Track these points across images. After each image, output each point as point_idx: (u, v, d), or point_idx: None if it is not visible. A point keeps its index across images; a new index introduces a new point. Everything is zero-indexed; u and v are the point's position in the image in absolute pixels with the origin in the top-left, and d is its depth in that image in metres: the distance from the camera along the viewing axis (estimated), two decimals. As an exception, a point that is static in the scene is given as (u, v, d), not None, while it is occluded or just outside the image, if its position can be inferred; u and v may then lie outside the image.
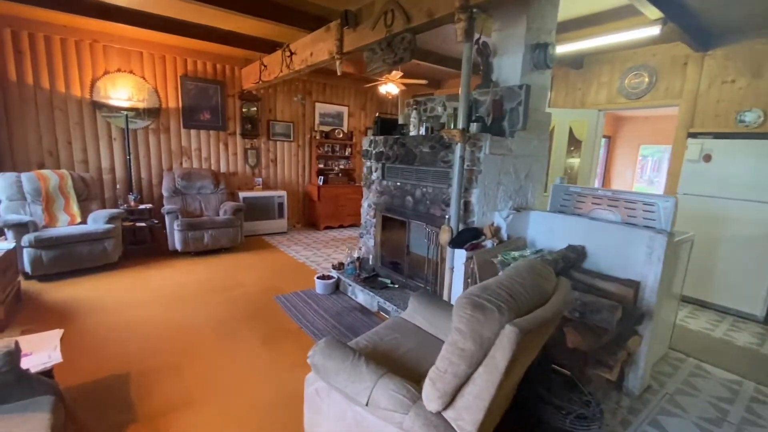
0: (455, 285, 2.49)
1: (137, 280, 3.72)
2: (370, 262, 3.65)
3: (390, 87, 5.13)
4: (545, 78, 2.83)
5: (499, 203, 2.65)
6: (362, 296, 3.31)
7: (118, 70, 4.67)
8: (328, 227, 6.54)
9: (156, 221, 4.65)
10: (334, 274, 3.66)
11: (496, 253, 2.36)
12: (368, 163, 3.57)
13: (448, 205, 2.72)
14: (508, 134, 2.62)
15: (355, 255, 3.68)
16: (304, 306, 3.25)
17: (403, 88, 5.39)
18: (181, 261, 4.38)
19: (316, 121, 6.55)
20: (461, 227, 2.51)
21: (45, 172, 4.06)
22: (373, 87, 5.89)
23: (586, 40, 3.68)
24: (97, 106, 4.59)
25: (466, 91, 2.32)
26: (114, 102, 4.63)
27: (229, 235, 4.73)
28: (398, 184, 3.22)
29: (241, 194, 5.54)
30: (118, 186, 4.79)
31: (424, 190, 2.94)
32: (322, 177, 6.38)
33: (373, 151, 3.45)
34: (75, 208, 4.13)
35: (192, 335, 2.71)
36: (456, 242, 2.41)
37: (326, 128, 6.60)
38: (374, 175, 3.51)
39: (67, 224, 4.02)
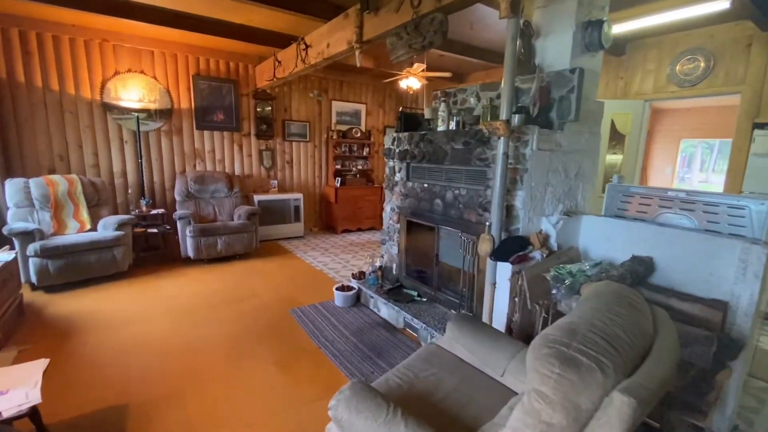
0: (498, 303, 2.14)
1: (147, 291, 3.50)
2: (394, 272, 3.33)
3: (411, 81, 4.80)
4: (596, 61, 2.45)
5: (546, 207, 2.29)
6: (386, 310, 2.99)
7: (129, 71, 4.50)
8: (346, 231, 6.26)
9: (168, 227, 4.45)
10: (355, 284, 3.36)
11: (548, 266, 2.00)
12: (391, 163, 3.25)
13: (486, 209, 2.37)
14: (556, 126, 2.25)
15: (377, 263, 3.36)
16: (323, 321, 2.95)
17: (425, 82, 5.06)
18: (193, 269, 4.16)
19: (333, 120, 6.28)
20: (503, 236, 2.15)
21: (54, 177, 3.90)
22: (393, 82, 5.58)
23: (637, 20, 3.26)
24: (108, 107, 4.42)
25: (511, 75, 1.97)
26: (125, 103, 4.45)
27: (244, 241, 4.48)
28: (425, 185, 2.88)
29: (256, 197, 5.30)
30: (129, 191, 4.62)
31: (456, 192, 2.60)
32: (340, 178, 6.09)
33: (397, 150, 3.13)
34: (85, 214, 3.96)
35: (201, 356, 2.44)
36: (499, 254, 2.06)
37: (343, 127, 6.32)
38: (398, 176, 3.18)
39: (76, 231, 3.85)
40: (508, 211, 2.19)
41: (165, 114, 4.78)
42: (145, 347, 2.53)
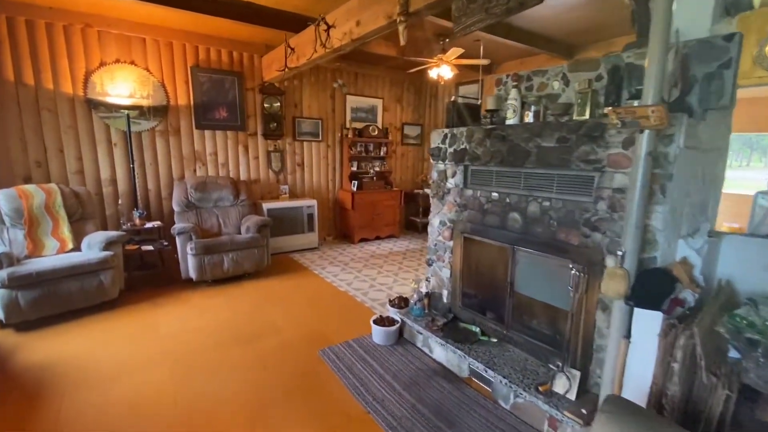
0: (633, 366, 1.52)
1: (141, 325, 2.88)
2: (444, 299, 2.71)
3: (443, 70, 4.20)
4: (732, 30, 1.84)
5: (684, 226, 1.68)
6: (442, 352, 2.38)
7: (117, 61, 3.86)
8: (363, 239, 5.64)
9: (166, 243, 3.82)
10: (396, 315, 2.74)
11: (715, 315, 1.39)
12: (441, 166, 2.63)
13: (595, 229, 1.76)
14: (699, 116, 1.64)
15: (422, 289, 2.75)
16: (364, 368, 2.33)
17: (456, 71, 4.44)
18: (196, 293, 3.53)
19: (347, 117, 5.65)
20: (635, 267, 1.54)
21: (28, 187, 3.27)
22: (417, 73, 4.96)
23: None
24: (93, 104, 3.78)
25: (665, 34, 1.36)
26: (113, 99, 3.82)
27: (254, 258, 3.86)
28: (494, 194, 2.27)
29: (265, 205, 4.68)
30: (120, 201, 3.98)
31: (545, 204, 1.99)
32: (356, 181, 5.47)
33: (449, 149, 2.52)
34: (66, 231, 3.32)
35: (212, 422, 1.83)
36: (640, 296, 1.45)
37: (358, 125, 5.69)
38: (450, 182, 2.57)
39: (55, 252, 3.22)
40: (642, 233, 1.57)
41: (160, 111, 4.14)
42: (137, 411, 1.91)
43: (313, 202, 5.06)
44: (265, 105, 4.81)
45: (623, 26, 3.86)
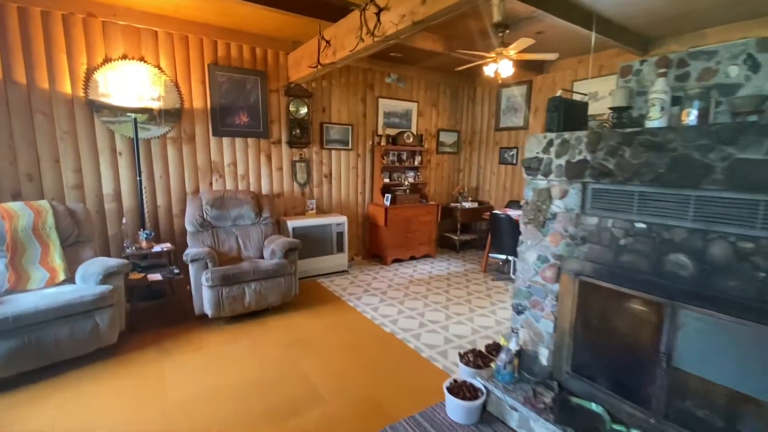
0: None
1: (144, 384, 2.25)
2: (544, 361, 2.04)
3: (503, 66, 3.56)
4: None
5: None
6: (555, 443, 1.70)
7: (124, 57, 3.31)
8: (396, 260, 4.99)
9: (177, 271, 3.21)
10: (475, 380, 2.07)
11: None
12: (541, 183, 1.98)
13: None
14: None
15: (511, 345, 2.08)
16: (448, 467, 1.66)
17: (515, 68, 3.80)
18: (212, 334, 2.90)
19: (380, 123, 5.05)
20: None
21: (12, 206, 2.69)
22: (452, 75, 4.36)
23: None
24: (95, 107, 3.23)
25: None
26: (118, 101, 3.27)
27: (280, 289, 3.23)
28: (638, 225, 1.60)
29: (290, 223, 4.07)
30: (124, 220, 3.40)
31: (745, 246, 1.32)
32: (390, 195, 4.84)
33: (555, 161, 1.87)
34: (57, 258, 2.74)
35: None
36: None
37: (391, 131, 5.08)
38: (558, 205, 1.91)
39: (44, 284, 2.63)
40: None
41: (172, 115, 3.58)
42: None
43: (343, 219, 4.44)
44: (291, 109, 4.23)
45: (716, 14, 3.21)
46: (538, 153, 1.97)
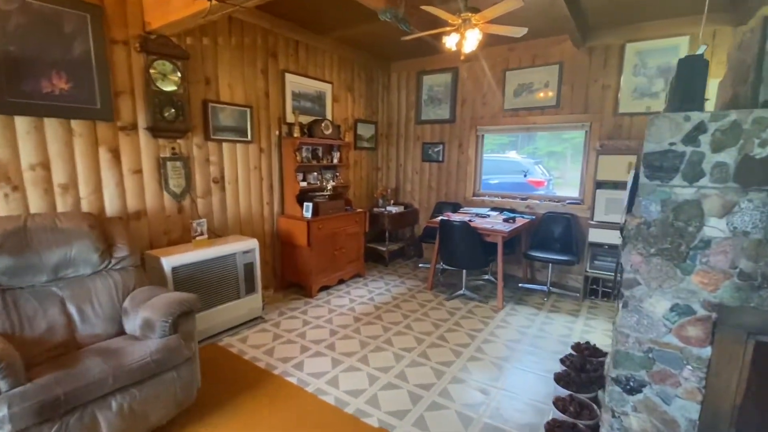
0: None
1: None
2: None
3: (470, 38, 2.81)
4: None
5: None
6: None
7: None
8: (323, 288, 3.83)
9: None
10: None
11: None
12: (684, 193, 1.23)
13: None
14: None
15: (632, 448, 1.30)
16: None
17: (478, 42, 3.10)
18: None
19: (288, 107, 3.76)
20: None
21: None
22: (365, 56, 3.47)
23: None
24: None
25: None
26: None
27: (172, 392, 1.78)
28: None
29: (166, 260, 2.49)
30: None
31: None
32: (310, 204, 3.63)
33: (712, 158, 1.15)
34: None
35: None
36: None
37: (304, 119, 3.86)
38: (718, 226, 1.20)
39: None
40: None
41: None
42: None
43: (253, 244, 3.05)
44: (153, 75, 2.61)
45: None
46: (672, 144, 1.22)
